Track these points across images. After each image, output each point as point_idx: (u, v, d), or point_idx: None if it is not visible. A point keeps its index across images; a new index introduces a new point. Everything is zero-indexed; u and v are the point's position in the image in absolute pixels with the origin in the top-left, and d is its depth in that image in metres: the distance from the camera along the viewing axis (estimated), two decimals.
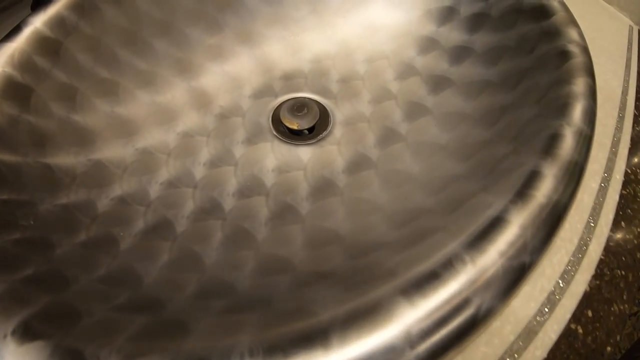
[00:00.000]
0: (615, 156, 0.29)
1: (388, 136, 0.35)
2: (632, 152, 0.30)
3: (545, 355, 0.19)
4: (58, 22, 0.30)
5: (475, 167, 0.28)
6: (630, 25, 0.50)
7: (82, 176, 0.29)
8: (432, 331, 0.16)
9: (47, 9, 0.31)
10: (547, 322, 0.20)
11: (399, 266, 0.19)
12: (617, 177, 0.27)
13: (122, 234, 0.27)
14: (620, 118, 0.34)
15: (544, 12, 0.33)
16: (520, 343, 0.20)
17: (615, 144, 0.31)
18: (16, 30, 0.29)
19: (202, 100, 0.36)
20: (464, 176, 0.28)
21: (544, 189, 0.20)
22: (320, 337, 0.15)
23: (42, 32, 0.30)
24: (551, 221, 0.19)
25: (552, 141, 0.22)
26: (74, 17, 0.31)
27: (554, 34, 0.31)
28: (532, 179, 0.21)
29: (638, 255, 0.22)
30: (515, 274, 0.18)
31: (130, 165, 0.31)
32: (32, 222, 0.24)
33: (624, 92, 0.38)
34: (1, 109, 0.27)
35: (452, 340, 0.16)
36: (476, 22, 0.38)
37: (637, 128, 0.34)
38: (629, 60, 0.43)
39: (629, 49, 0.45)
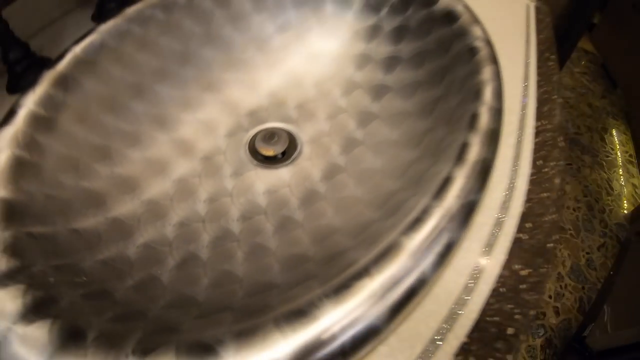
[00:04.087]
0: (525, 117, 0.39)
1: (349, 144, 0.43)
2: (538, 111, 0.40)
3: (505, 257, 0.28)
4: (47, 101, 0.35)
5: (423, 149, 0.37)
6: (527, 4, 0.61)
7: (106, 234, 0.34)
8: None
9: (35, 90, 0.36)
10: (500, 236, 0.29)
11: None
12: (529, 130, 0.37)
13: (159, 272, 0.33)
14: (525, 87, 0.45)
15: (452, 17, 0.42)
16: (485, 249, 0.28)
17: (524, 107, 0.41)
18: (11, 114, 0.34)
19: (185, 148, 0.42)
20: (418, 157, 0.37)
21: (474, 153, 0.29)
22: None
23: (36, 112, 0.35)
24: (484, 173, 0.28)
25: (474, 119, 0.31)
26: (60, 93, 0.36)
27: (462, 34, 0.40)
28: (464, 150, 0.29)
29: (555, 182, 0.32)
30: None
31: (142, 216, 0.37)
32: (84, 279, 0.29)
33: (527, 65, 0.48)
34: (19, 187, 0.31)
35: None
36: (399, 34, 0.47)
37: (540, 90, 0.44)
38: (528, 35, 0.54)
39: (528, 25, 0.56)
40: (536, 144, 0.35)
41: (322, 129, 0.45)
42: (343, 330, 0.21)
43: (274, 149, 0.42)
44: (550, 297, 1.62)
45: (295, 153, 0.43)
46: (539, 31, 0.54)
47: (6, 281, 0.23)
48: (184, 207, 0.38)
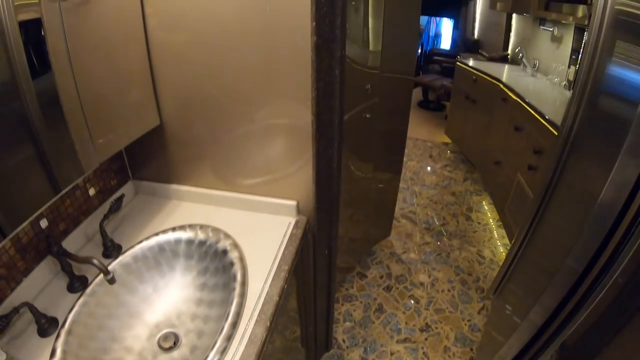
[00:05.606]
0: (251, 321, 0.98)
1: (201, 333, 1.01)
2: (261, 311, 1.00)
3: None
4: (65, 343, 0.90)
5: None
6: (289, 221, 1.22)
7: None
8: None
9: (60, 339, 0.90)
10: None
11: None
12: (251, 325, 0.96)
13: None
14: (260, 296, 1.03)
15: (232, 264, 1.04)
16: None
17: (251, 316, 1.00)
18: (54, 352, 0.88)
19: (129, 350, 0.99)
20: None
21: (219, 344, 0.87)
22: None
23: (63, 348, 0.89)
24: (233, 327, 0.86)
25: (222, 330, 0.90)
26: (69, 338, 0.91)
27: (234, 277, 1.02)
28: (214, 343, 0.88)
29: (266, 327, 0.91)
30: None
31: None
32: None
33: (266, 281, 1.06)
34: None
35: None
36: (217, 271, 1.09)
37: (267, 296, 1.02)
38: (278, 251, 1.12)
39: (281, 242, 1.14)
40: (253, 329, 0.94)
41: (189, 327, 1.03)
42: None
43: (169, 343, 0.99)
44: None
45: (179, 343, 1.00)
46: (288, 245, 1.14)
47: None
48: None
